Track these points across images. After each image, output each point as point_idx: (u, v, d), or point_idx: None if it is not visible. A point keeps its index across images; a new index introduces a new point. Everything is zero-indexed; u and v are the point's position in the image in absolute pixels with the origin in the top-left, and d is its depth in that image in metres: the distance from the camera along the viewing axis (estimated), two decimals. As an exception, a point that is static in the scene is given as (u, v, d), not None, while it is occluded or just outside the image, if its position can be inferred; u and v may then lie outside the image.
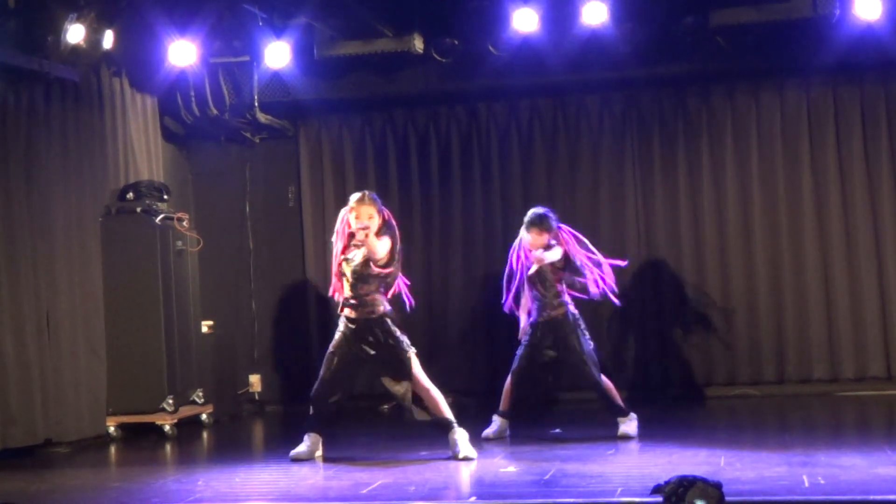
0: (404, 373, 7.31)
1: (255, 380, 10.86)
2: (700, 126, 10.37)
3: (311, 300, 10.80)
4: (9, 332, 8.24)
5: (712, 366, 10.21)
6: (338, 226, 7.46)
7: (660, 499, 5.04)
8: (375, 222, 7.33)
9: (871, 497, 5.43)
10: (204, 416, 9.57)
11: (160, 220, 9.28)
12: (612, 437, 7.79)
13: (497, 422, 8.08)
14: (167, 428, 9.01)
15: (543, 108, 10.62)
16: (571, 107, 10.57)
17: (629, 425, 7.85)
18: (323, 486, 6.49)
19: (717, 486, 4.99)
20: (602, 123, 10.54)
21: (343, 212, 7.47)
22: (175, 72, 9.43)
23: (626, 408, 7.93)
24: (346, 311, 7.40)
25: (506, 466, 6.86)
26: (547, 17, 9.02)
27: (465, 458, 7.10)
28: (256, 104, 10.25)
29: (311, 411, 7.50)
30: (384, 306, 7.39)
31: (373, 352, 7.33)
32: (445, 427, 7.30)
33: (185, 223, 9.61)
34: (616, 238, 10.24)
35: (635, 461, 6.99)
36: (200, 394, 9.60)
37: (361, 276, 7.34)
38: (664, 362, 10.28)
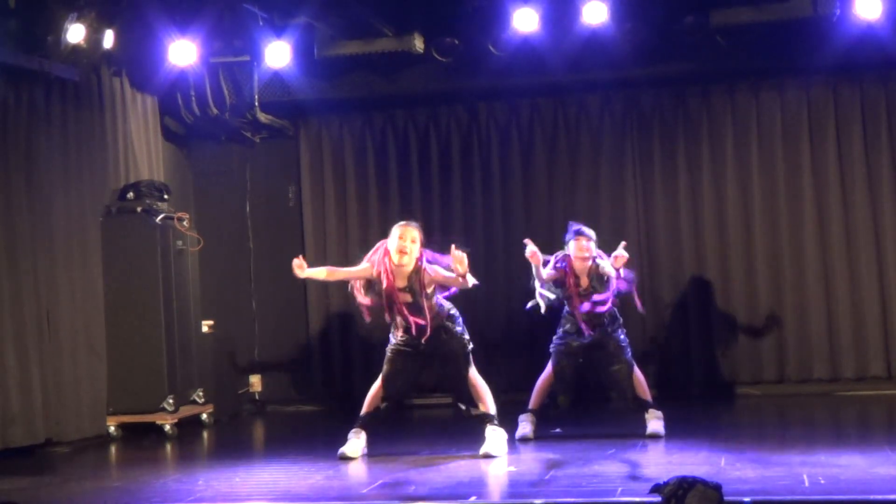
0: (461, 369, 7.31)
1: (255, 380, 10.86)
2: (700, 126, 10.37)
3: (311, 300, 10.80)
4: (9, 332, 8.24)
5: (712, 366, 10.20)
6: (375, 256, 7.27)
7: (659, 498, 5.04)
8: (416, 248, 7.24)
9: (871, 497, 5.43)
10: (204, 416, 9.57)
11: (160, 220, 9.28)
12: (613, 436, 7.79)
13: (528, 421, 7.97)
14: (167, 428, 9.01)
15: (544, 108, 10.62)
16: (572, 106, 10.57)
17: (657, 423, 7.80)
18: (323, 486, 6.48)
19: (717, 487, 4.99)
20: (602, 123, 10.54)
21: (380, 244, 7.32)
22: (175, 71, 9.43)
23: (653, 403, 7.91)
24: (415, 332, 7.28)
25: (506, 466, 6.86)
26: (547, 16, 9.02)
27: (486, 456, 7.12)
28: (257, 104, 10.25)
29: (368, 410, 7.44)
30: (446, 307, 7.38)
31: (433, 350, 7.32)
32: (484, 421, 7.32)
33: (185, 223, 9.61)
34: (616, 237, 10.12)
35: (635, 461, 6.98)
36: (200, 393, 9.60)
37: (421, 293, 7.22)
38: (663, 363, 10.28)
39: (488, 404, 7.36)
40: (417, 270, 7.23)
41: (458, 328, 7.40)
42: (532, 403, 8.03)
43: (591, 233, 8.00)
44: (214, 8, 8.87)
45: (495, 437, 7.27)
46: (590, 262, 7.90)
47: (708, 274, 10.24)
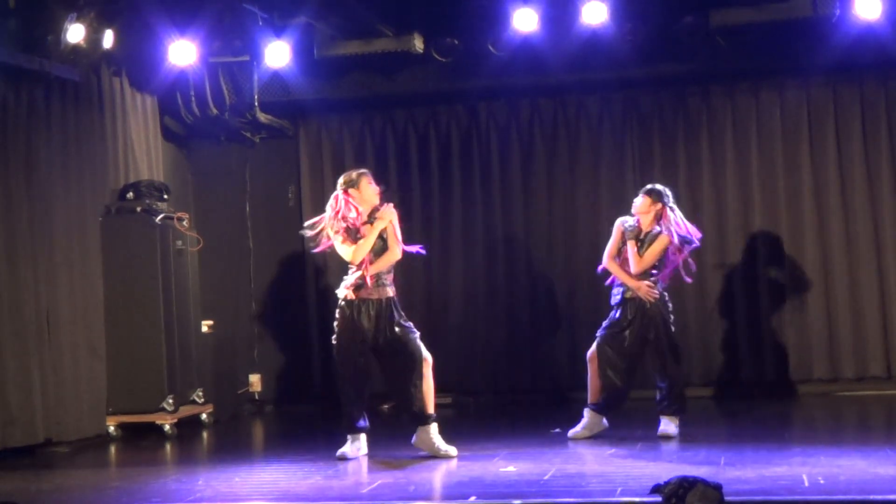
0: (414, 362, 7.28)
1: (255, 380, 10.86)
2: (700, 126, 10.37)
3: (311, 300, 10.80)
4: (9, 332, 8.24)
5: (712, 366, 10.21)
6: (343, 212, 7.44)
7: (659, 498, 5.04)
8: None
9: (871, 497, 5.44)
10: (204, 416, 9.57)
11: (160, 220, 9.28)
12: (613, 437, 7.79)
13: (587, 416, 7.93)
14: (167, 428, 9.01)
15: (543, 108, 10.62)
16: (571, 106, 10.57)
17: (669, 426, 7.80)
18: (323, 486, 6.49)
19: (717, 487, 5.00)
20: (602, 123, 10.54)
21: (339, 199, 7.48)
22: (175, 71, 9.43)
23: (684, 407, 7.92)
24: (363, 293, 7.30)
25: (506, 466, 6.87)
26: (547, 16, 9.02)
27: (447, 456, 7.14)
28: (256, 104, 10.25)
29: (349, 414, 7.44)
30: (393, 287, 7.40)
31: (381, 338, 7.29)
32: (423, 420, 7.29)
33: (185, 223, 9.60)
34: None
35: (635, 461, 6.99)
36: (200, 393, 9.59)
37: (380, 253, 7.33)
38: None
39: (429, 403, 7.31)
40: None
41: (403, 316, 7.39)
42: (591, 397, 7.96)
43: (651, 190, 8.00)
44: (214, 8, 8.87)
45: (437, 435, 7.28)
46: (636, 219, 7.97)
47: (707, 273, 10.23)
